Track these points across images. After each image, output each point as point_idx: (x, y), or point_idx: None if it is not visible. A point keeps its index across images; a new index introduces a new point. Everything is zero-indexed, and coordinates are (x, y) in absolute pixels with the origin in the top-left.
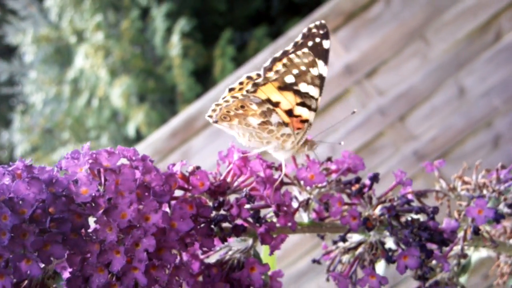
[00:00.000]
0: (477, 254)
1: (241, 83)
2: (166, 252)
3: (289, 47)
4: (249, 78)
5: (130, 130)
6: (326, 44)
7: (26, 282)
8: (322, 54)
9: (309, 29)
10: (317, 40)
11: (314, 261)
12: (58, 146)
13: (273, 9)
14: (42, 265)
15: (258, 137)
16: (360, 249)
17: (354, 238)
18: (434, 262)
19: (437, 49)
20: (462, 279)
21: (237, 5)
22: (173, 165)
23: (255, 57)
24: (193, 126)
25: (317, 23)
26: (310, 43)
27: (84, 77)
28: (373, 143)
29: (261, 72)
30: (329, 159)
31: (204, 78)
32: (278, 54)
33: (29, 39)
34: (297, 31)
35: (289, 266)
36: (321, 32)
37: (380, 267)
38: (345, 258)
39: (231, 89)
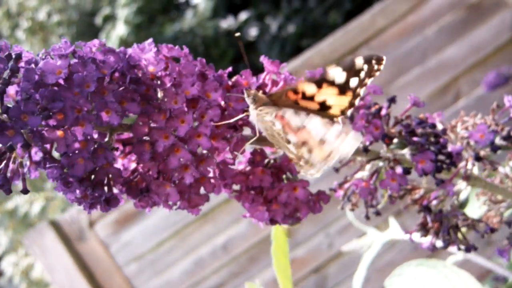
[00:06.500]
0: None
1: None
2: (224, 127)
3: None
4: None
5: None
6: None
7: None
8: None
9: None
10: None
11: (331, 189)
12: (13, 195)
13: None
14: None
15: None
16: (379, 164)
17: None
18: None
19: (400, 107)
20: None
21: None
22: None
23: None
24: None
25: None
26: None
27: None
28: None
29: None
30: None
31: None
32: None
33: None
34: None
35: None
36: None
37: None
38: (358, 189)
39: None
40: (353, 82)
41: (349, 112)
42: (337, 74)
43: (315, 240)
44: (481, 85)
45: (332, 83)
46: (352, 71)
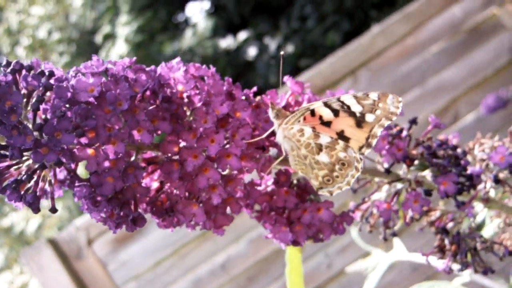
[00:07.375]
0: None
1: None
2: (252, 148)
3: (371, 97)
4: None
5: None
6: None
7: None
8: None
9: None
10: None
11: (354, 190)
12: (9, 211)
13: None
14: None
15: None
16: (398, 185)
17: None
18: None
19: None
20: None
21: None
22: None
23: None
24: None
25: (395, 109)
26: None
27: None
28: None
29: None
30: None
31: None
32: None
33: None
34: None
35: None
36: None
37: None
38: (375, 210)
39: None
40: (370, 117)
41: (366, 152)
42: (353, 104)
43: (314, 260)
44: (480, 107)
45: (348, 113)
46: (367, 105)
